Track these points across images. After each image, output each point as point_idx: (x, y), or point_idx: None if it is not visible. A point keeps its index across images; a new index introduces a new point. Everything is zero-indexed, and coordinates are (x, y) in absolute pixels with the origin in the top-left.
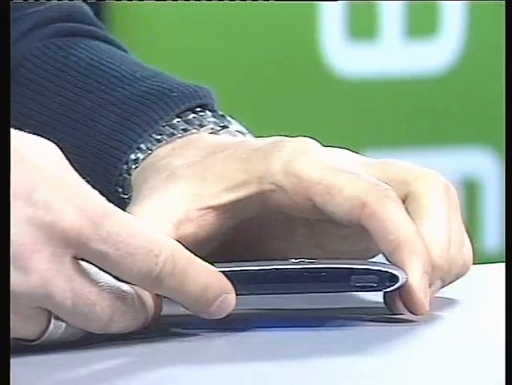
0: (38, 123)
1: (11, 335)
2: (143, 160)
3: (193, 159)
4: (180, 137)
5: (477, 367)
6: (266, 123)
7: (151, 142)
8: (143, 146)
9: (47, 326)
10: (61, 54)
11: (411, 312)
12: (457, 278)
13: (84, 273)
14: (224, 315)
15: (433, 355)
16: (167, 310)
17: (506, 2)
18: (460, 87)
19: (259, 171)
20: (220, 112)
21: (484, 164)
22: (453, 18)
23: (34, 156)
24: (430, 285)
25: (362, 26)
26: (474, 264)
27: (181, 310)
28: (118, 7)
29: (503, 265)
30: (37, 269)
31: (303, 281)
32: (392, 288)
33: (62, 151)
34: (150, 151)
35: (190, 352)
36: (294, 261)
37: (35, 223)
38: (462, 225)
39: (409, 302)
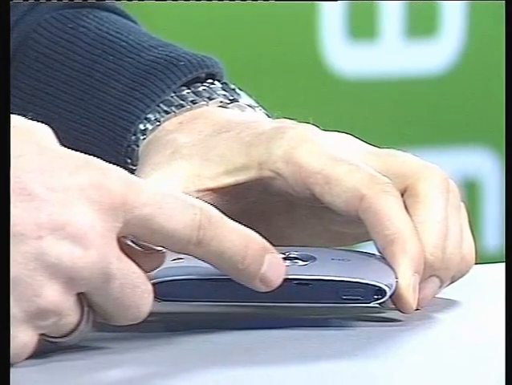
0: (47, 96)
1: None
2: (151, 130)
3: (199, 136)
4: (188, 109)
5: (477, 368)
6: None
7: (159, 113)
8: (151, 116)
9: (80, 321)
10: (69, 26)
11: (398, 310)
12: (459, 276)
13: (127, 254)
14: (279, 281)
15: (433, 356)
16: (163, 309)
17: (506, 2)
18: (460, 87)
19: (260, 156)
20: (230, 85)
21: (484, 164)
22: (453, 18)
23: (49, 140)
24: (422, 283)
25: (362, 26)
26: (474, 264)
27: (178, 310)
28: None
29: (503, 265)
30: (95, 243)
31: (290, 292)
32: (379, 301)
33: (72, 122)
34: (158, 123)
35: (189, 353)
36: (284, 262)
37: (87, 203)
38: (463, 222)
39: (397, 301)
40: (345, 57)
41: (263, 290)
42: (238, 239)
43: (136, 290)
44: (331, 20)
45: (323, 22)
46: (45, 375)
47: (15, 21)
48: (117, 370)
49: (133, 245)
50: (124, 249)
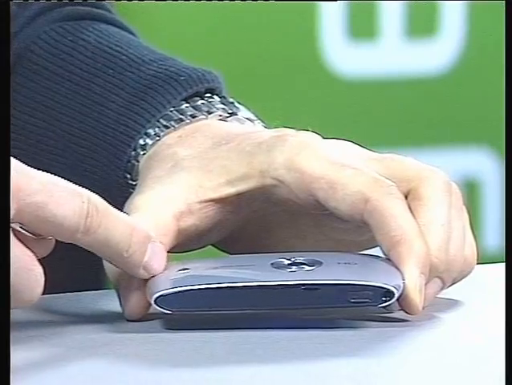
0: (46, 109)
1: None
2: (151, 145)
3: (199, 149)
4: (188, 123)
5: (477, 367)
6: (265, 122)
7: (159, 127)
8: (151, 131)
9: None
10: (69, 38)
11: (404, 311)
12: (461, 278)
13: (19, 239)
14: (161, 269)
15: (434, 355)
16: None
17: (506, 2)
18: (460, 88)
19: (262, 165)
20: (229, 98)
21: (484, 164)
22: (453, 18)
23: None
24: (426, 285)
25: (362, 25)
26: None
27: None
28: (117, 7)
29: (503, 265)
30: None
31: (298, 297)
32: (387, 303)
33: (71, 136)
34: (158, 138)
35: (189, 352)
36: (290, 268)
37: None
38: (465, 224)
39: (403, 302)
40: (345, 57)
41: (146, 277)
42: (123, 227)
43: (30, 273)
44: (331, 20)
45: (323, 22)
46: None
47: (14, 33)
48: (117, 370)
49: (23, 232)
50: (15, 234)
